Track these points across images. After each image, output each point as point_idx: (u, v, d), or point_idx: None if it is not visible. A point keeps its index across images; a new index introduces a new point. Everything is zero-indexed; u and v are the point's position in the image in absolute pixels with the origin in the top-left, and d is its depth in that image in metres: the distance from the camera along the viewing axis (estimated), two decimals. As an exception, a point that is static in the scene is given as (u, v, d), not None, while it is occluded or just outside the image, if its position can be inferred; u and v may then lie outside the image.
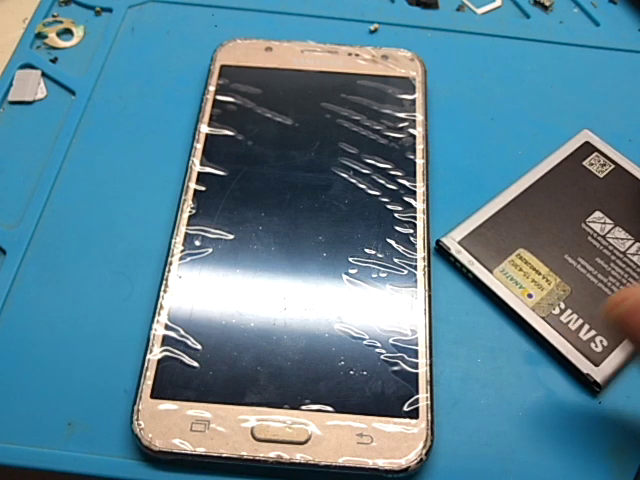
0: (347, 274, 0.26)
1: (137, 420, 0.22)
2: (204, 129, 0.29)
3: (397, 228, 0.27)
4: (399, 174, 0.28)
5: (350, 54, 0.32)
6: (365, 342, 0.24)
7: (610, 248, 0.27)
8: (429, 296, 0.25)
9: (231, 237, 0.26)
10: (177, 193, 0.28)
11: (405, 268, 0.26)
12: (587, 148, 0.30)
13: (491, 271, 0.26)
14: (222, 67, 0.31)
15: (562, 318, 0.25)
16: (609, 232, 0.27)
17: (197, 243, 0.26)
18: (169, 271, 0.25)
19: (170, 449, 0.22)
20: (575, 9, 0.36)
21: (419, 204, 0.27)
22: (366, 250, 0.26)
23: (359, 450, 0.22)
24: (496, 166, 0.30)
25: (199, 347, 0.24)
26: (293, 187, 0.28)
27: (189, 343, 0.24)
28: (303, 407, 0.23)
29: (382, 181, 0.28)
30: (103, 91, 0.32)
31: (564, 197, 0.28)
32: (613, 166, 0.29)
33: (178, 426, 0.22)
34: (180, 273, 0.25)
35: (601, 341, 0.25)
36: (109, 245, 0.27)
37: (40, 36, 0.33)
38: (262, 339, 0.24)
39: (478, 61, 0.33)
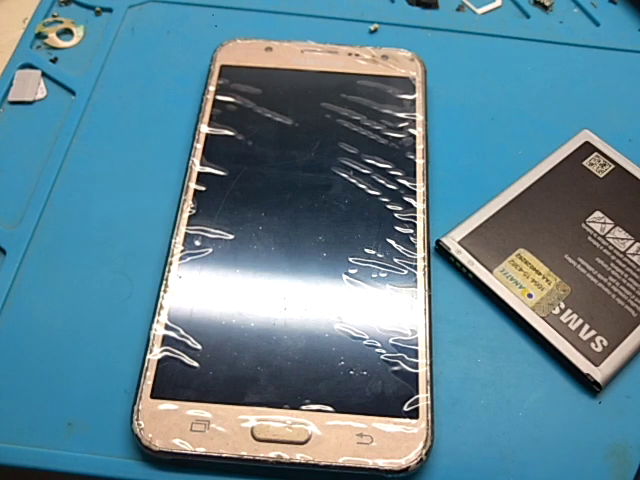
0: (347, 274, 0.26)
1: (137, 420, 0.22)
2: (204, 129, 0.29)
3: (397, 228, 0.27)
4: (399, 174, 0.28)
5: (350, 54, 0.32)
6: (365, 342, 0.24)
7: (610, 248, 0.27)
8: (429, 296, 0.25)
9: (231, 237, 0.26)
10: (177, 193, 0.28)
11: (405, 268, 0.26)
12: (587, 148, 0.30)
13: (491, 271, 0.26)
14: (222, 67, 0.31)
15: (562, 318, 0.25)
16: (609, 232, 0.27)
17: (197, 243, 0.26)
18: (169, 271, 0.25)
19: (170, 449, 0.22)
20: (575, 9, 0.36)
21: (419, 204, 0.27)
22: (366, 250, 0.26)
23: (359, 450, 0.22)
24: (496, 166, 0.30)
25: (199, 347, 0.24)
26: (293, 187, 0.28)
27: (189, 343, 0.24)
28: (303, 407, 0.23)
29: (382, 181, 0.28)
30: (103, 91, 0.32)
31: (564, 197, 0.28)
32: (613, 166, 0.29)
33: (178, 426, 0.22)
34: (180, 273, 0.25)
35: (601, 341, 0.25)
36: (109, 245, 0.27)
37: (40, 36, 0.33)
38: (262, 339, 0.24)
39: (478, 61, 0.33)
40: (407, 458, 0.22)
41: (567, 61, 0.34)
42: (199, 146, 0.29)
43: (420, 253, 0.26)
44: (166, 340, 0.24)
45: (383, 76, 0.31)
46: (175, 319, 0.24)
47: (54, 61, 0.33)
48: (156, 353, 0.24)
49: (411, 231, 0.27)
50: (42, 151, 0.30)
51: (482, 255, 0.27)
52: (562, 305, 0.25)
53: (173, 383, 0.23)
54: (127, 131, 0.30)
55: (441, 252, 0.27)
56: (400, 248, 0.26)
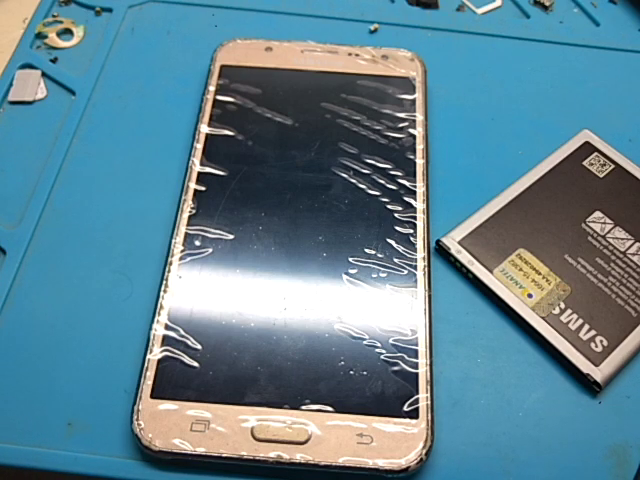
0: (347, 274, 0.26)
1: (137, 420, 0.22)
2: (204, 129, 0.29)
3: (397, 228, 0.27)
4: (399, 174, 0.28)
5: (350, 54, 0.32)
6: (365, 342, 0.24)
7: (610, 248, 0.27)
8: (429, 296, 0.25)
9: (231, 237, 0.26)
10: (177, 193, 0.28)
11: (405, 268, 0.26)
12: (587, 148, 0.30)
13: (491, 271, 0.26)
14: (222, 67, 0.31)
15: (562, 318, 0.25)
16: (609, 232, 0.27)
17: (197, 243, 0.26)
18: (169, 271, 0.25)
19: (170, 449, 0.22)
20: (575, 9, 0.36)
21: (419, 204, 0.27)
22: (366, 250, 0.26)
23: (359, 450, 0.22)
24: (496, 166, 0.30)
25: (199, 347, 0.24)
26: (293, 187, 0.28)
27: (189, 343, 0.24)
28: (303, 407, 0.23)
29: (382, 181, 0.28)
30: (103, 91, 0.32)
31: (564, 197, 0.28)
32: (613, 166, 0.29)
33: (178, 426, 0.22)
34: (180, 273, 0.25)
35: (601, 341, 0.25)
36: (109, 245, 0.27)
37: (40, 36, 0.33)
38: (262, 339, 0.24)
39: (478, 61, 0.33)
40: (407, 458, 0.22)
41: (567, 61, 0.34)
42: (199, 146, 0.29)
43: (420, 253, 0.26)
44: (166, 340, 0.24)
45: (383, 76, 0.31)
46: (175, 319, 0.24)
47: (54, 61, 0.33)
48: (156, 353, 0.24)
49: (411, 231, 0.27)
50: (42, 151, 0.30)
51: (482, 255, 0.27)
52: (562, 305, 0.25)
53: (173, 383, 0.23)
54: (127, 131, 0.30)
55: (441, 252, 0.27)
56: (400, 248, 0.26)
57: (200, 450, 0.22)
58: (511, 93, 0.32)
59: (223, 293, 0.25)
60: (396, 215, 0.27)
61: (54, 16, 0.34)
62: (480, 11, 0.36)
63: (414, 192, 0.28)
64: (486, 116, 0.31)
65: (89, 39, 0.34)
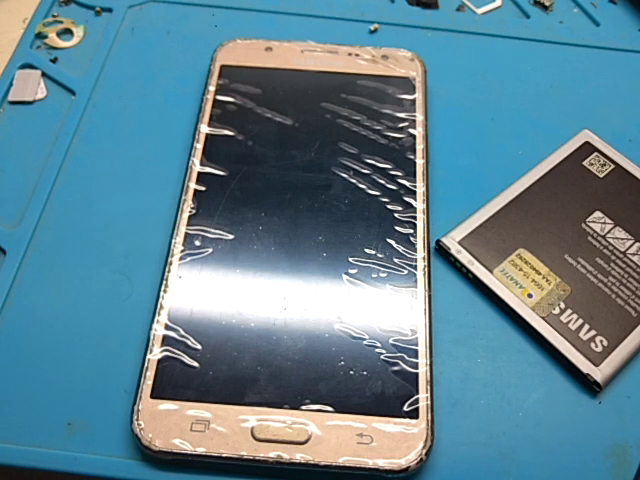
0: (347, 274, 0.26)
1: (137, 420, 0.22)
2: (204, 129, 0.29)
3: (397, 228, 0.27)
4: (399, 174, 0.28)
5: (350, 54, 0.32)
6: (365, 342, 0.24)
7: (610, 248, 0.27)
8: (429, 296, 0.25)
9: (231, 237, 0.26)
10: (177, 193, 0.28)
11: (405, 268, 0.26)
12: (587, 148, 0.30)
13: (491, 271, 0.26)
14: (222, 67, 0.31)
15: (562, 318, 0.25)
16: (609, 232, 0.27)
17: (197, 243, 0.26)
18: (169, 271, 0.25)
19: (170, 449, 0.22)
20: (575, 9, 0.36)
21: (419, 204, 0.27)
22: (366, 250, 0.26)
23: (359, 450, 0.22)
24: (496, 166, 0.30)
25: (199, 347, 0.24)
26: (293, 187, 0.28)
27: (189, 343, 0.24)
28: (303, 407, 0.23)
29: (382, 181, 0.28)
30: (103, 91, 0.32)
31: (564, 197, 0.28)
32: (613, 166, 0.29)
33: (178, 426, 0.22)
34: (180, 273, 0.25)
35: (601, 341, 0.25)
36: (109, 245, 0.27)
37: (40, 36, 0.33)
38: (262, 339, 0.24)
39: (478, 61, 0.33)
40: (407, 458, 0.22)
41: (567, 61, 0.34)
42: (199, 146, 0.29)
43: (420, 253, 0.26)
44: (166, 340, 0.24)
45: (383, 76, 0.31)
46: (175, 319, 0.24)
47: (54, 61, 0.33)
48: (156, 353, 0.24)
49: (411, 231, 0.27)
50: (42, 151, 0.30)
51: (482, 255, 0.27)
52: (562, 305, 0.25)
53: (173, 383, 0.23)
54: (127, 131, 0.30)
55: (441, 252, 0.27)
56: (400, 248, 0.26)
57: (200, 450, 0.22)
58: (511, 93, 0.32)
59: (223, 293, 0.25)
60: (396, 215, 0.27)
61: (54, 16, 0.34)
62: (480, 11, 0.36)
63: (414, 192, 0.28)
64: (486, 116, 0.31)
65: (89, 39, 0.34)
